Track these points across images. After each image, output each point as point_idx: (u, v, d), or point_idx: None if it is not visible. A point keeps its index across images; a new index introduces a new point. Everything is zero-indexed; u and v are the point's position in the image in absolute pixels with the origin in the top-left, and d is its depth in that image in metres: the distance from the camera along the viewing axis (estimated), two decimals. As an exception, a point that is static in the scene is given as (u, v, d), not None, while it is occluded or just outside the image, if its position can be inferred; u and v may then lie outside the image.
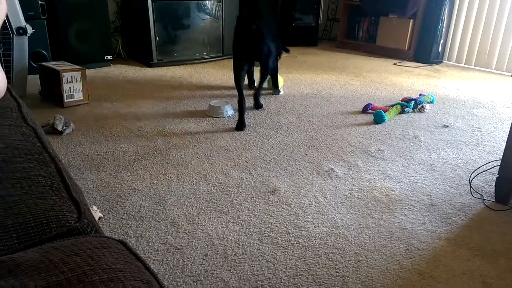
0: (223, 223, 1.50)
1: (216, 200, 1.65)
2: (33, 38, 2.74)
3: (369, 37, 4.58)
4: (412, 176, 1.90)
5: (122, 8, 3.88)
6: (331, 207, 1.63)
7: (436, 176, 1.91)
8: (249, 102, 2.71)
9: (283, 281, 1.24)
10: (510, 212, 1.64)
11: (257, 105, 2.70)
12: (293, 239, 1.43)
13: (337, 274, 1.28)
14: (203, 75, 3.48)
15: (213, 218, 1.53)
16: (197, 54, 3.85)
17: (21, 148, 0.85)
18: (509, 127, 1.64)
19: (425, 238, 1.47)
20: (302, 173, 1.89)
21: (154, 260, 1.30)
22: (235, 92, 2.99)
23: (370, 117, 2.61)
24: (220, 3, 3.78)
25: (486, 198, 1.73)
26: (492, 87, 3.40)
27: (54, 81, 2.60)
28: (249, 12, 2.56)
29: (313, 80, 3.42)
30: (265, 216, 1.55)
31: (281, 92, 3.04)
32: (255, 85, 3.00)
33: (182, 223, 1.49)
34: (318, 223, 1.52)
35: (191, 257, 1.32)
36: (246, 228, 1.48)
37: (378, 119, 2.52)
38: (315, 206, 1.63)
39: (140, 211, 1.55)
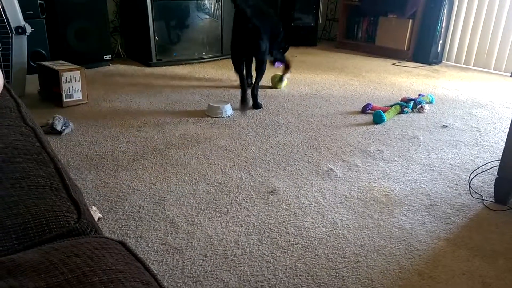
0: (223, 224, 1.50)
1: (216, 200, 1.65)
2: (32, 37, 2.74)
3: (368, 37, 4.58)
4: (412, 177, 1.90)
5: (121, 8, 3.88)
6: (331, 207, 1.63)
7: (436, 176, 1.91)
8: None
9: (282, 281, 1.24)
10: (509, 213, 1.64)
11: (256, 105, 2.70)
12: (292, 240, 1.43)
13: (337, 274, 1.27)
14: (202, 75, 3.48)
15: (213, 219, 1.52)
16: (196, 54, 3.84)
17: (20, 148, 0.84)
18: (508, 127, 1.64)
19: (424, 238, 1.47)
20: (302, 173, 1.89)
21: (153, 260, 1.30)
22: (235, 92, 3.00)
23: (369, 117, 2.61)
24: (220, 3, 3.78)
25: (485, 199, 1.73)
26: (491, 87, 3.40)
27: (53, 81, 2.60)
28: (245, 6, 2.59)
29: (312, 80, 3.42)
30: (265, 217, 1.55)
31: (284, 81, 3.16)
32: (251, 81, 3.00)
33: (182, 224, 1.49)
34: (317, 224, 1.52)
35: (190, 258, 1.32)
36: (246, 229, 1.47)
37: (377, 119, 2.53)
38: (315, 206, 1.63)
39: (139, 212, 1.55)
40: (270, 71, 3.41)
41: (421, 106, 2.74)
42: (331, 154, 2.09)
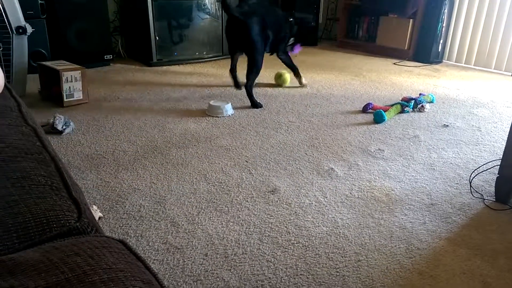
0: (223, 223, 1.50)
1: (216, 199, 1.65)
2: (32, 37, 2.74)
3: (369, 37, 4.58)
4: (412, 176, 1.89)
5: (122, 8, 3.88)
6: (331, 206, 1.63)
7: (436, 175, 1.91)
8: (246, 102, 2.71)
9: (283, 280, 1.24)
10: (510, 212, 1.64)
11: (253, 104, 2.71)
12: (293, 239, 1.43)
13: (338, 273, 1.27)
14: (203, 74, 3.48)
15: (213, 218, 1.53)
16: (197, 53, 3.84)
17: (21, 148, 0.84)
18: (509, 126, 1.64)
19: (425, 237, 1.47)
20: (302, 172, 1.89)
21: (154, 259, 1.30)
22: (235, 91, 3.00)
23: (370, 117, 2.60)
24: (220, 3, 3.78)
25: (486, 198, 1.73)
26: (491, 86, 3.40)
27: (54, 81, 2.60)
28: (242, 3, 2.64)
29: (313, 79, 3.42)
30: (265, 216, 1.55)
31: (304, 82, 3.19)
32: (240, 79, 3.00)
33: (182, 223, 1.49)
34: (318, 223, 1.52)
35: (191, 257, 1.32)
36: (246, 228, 1.47)
37: (378, 118, 2.52)
38: (315, 205, 1.63)
39: (140, 211, 1.55)
40: (274, 69, 3.41)
41: (422, 106, 2.74)
42: (331, 154, 2.09)
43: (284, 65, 3.11)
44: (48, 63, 2.65)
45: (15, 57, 2.57)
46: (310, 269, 1.29)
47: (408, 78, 3.55)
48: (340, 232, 1.47)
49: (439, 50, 4.09)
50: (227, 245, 1.38)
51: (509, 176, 1.66)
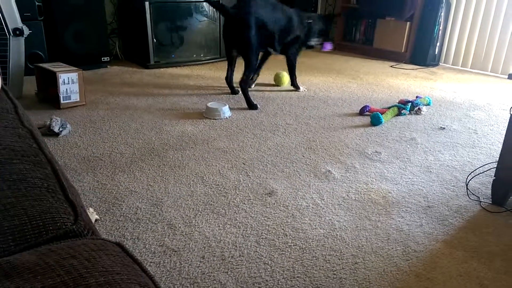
0: (220, 225, 1.50)
1: (213, 202, 1.64)
2: (29, 39, 2.74)
3: (366, 40, 4.60)
4: (409, 178, 1.90)
5: (119, 10, 3.88)
6: (328, 209, 1.63)
7: (433, 178, 1.91)
8: (243, 105, 2.71)
9: (280, 283, 1.23)
10: (506, 214, 1.65)
11: (249, 104, 2.72)
12: (290, 241, 1.43)
13: (335, 276, 1.27)
14: (200, 76, 3.48)
15: (210, 220, 1.52)
16: (194, 55, 3.85)
17: (17, 150, 0.84)
18: (505, 129, 1.64)
19: (422, 240, 1.47)
20: (300, 175, 1.89)
21: (151, 262, 1.30)
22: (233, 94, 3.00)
23: (367, 119, 2.61)
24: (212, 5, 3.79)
25: (482, 200, 1.74)
26: (488, 89, 3.41)
27: (50, 83, 2.59)
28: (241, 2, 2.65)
29: (310, 82, 3.42)
30: (262, 218, 1.55)
31: (302, 89, 3.17)
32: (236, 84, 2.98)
33: (179, 225, 1.48)
34: (315, 225, 1.52)
35: (188, 259, 1.31)
36: (244, 230, 1.47)
37: (375, 121, 2.53)
38: (312, 208, 1.63)
39: (137, 213, 1.54)
40: (273, 70, 3.41)
41: (419, 108, 2.75)
42: (329, 156, 2.09)
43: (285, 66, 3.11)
44: (45, 65, 2.64)
45: (12, 59, 2.57)
46: (307, 272, 1.29)
47: (405, 81, 3.56)
48: (337, 235, 1.47)
49: (436, 53, 4.11)
50: (224, 248, 1.38)
51: (506, 179, 1.67)
